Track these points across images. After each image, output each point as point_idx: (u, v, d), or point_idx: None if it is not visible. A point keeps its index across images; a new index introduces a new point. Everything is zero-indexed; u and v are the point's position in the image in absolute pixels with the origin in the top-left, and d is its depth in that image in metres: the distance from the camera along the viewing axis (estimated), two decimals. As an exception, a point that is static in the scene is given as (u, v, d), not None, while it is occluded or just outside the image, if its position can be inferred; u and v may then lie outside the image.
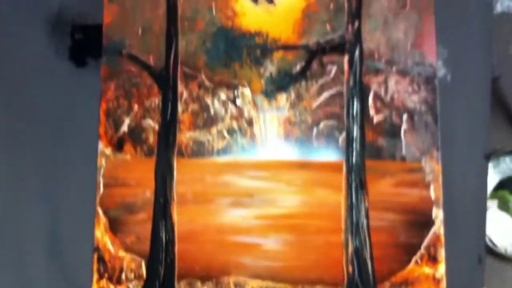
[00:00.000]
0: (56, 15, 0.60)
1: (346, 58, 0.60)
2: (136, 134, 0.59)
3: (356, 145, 0.59)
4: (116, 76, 0.60)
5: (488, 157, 0.59)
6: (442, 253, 0.57)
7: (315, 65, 0.60)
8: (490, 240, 0.71)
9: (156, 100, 0.60)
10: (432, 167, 0.59)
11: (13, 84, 0.59)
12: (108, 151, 0.59)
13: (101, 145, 0.59)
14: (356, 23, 0.60)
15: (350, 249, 0.57)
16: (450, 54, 0.60)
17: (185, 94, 0.60)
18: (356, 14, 0.60)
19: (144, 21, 0.60)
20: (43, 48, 0.60)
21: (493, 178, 0.73)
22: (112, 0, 0.61)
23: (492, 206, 0.74)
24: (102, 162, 0.59)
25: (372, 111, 0.60)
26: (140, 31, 0.60)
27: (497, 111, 0.73)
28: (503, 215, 0.74)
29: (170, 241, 0.57)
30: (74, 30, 0.60)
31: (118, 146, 0.59)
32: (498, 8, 0.62)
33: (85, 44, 0.60)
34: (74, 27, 0.60)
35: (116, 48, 0.60)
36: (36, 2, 0.60)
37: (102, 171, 0.58)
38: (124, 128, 0.59)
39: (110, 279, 0.57)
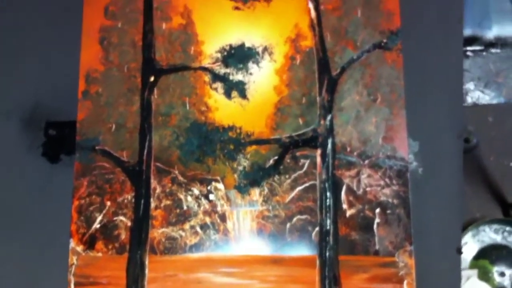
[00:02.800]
0: (30, 112, 0.62)
1: (318, 152, 0.62)
2: (108, 231, 0.61)
3: (329, 240, 0.61)
4: (89, 173, 0.61)
5: (460, 251, 0.60)
6: None
7: (288, 159, 0.62)
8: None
9: (129, 196, 0.61)
10: (405, 261, 0.60)
11: None
12: (79, 248, 0.60)
13: (72, 243, 0.60)
14: (328, 117, 0.63)
15: None
16: (421, 147, 0.62)
17: (158, 190, 0.61)
18: (328, 108, 0.63)
19: (118, 117, 0.62)
20: (16, 143, 0.62)
21: (472, 247, 0.75)
22: (86, 96, 0.63)
23: (472, 275, 0.75)
24: (73, 260, 0.60)
25: (345, 205, 0.61)
26: (114, 126, 0.62)
27: (476, 179, 0.75)
28: (484, 285, 0.75)
29: None
30: (48, 127, 0.62)
31: (89, 243, 0.60)
32: (469, 99, 0.64)
33: (59, 140, 0.62)
34: (47, 123, 0.62)
35: (89, 144, 0.62)
36: (10, 98, 0.62)
37: (73, 269, 0.59)
38: (96, 225, 0.60)
39: None
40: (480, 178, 0.72)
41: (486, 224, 0.73)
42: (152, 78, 0.63)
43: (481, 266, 0.73)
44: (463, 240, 0.69)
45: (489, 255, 0.73)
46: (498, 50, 0.64)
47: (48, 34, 0.63)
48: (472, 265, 0.72)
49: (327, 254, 0.60)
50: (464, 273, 0.70)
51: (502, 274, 0.73)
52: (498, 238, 0.72)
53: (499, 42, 0.64)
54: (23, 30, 0.64)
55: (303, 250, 0.60)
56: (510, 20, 0.64)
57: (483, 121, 0.71)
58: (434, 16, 0.64)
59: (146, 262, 0.59)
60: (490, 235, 0.73)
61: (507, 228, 0.72)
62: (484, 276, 0.73)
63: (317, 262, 0.60)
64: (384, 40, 0.63)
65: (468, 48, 0.64)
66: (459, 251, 0.60)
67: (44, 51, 0.63)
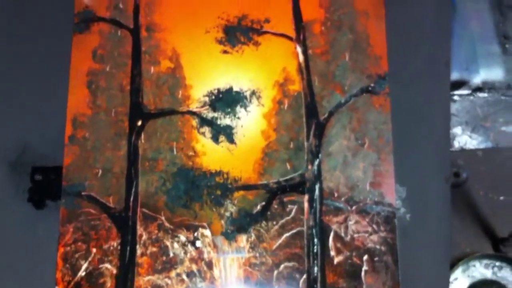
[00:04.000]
0: (16, 156, 0.62)
1: (306, 198, 0.63)
2: (93, 279, 0.61)
3: (317, 287, 0.61)
4: (74, 219, 0.62)
5: None
6: None
7: (275, 204, 0.63)
8: None
9: (114, 243, 0.61)
10: None
11: None
12: None
13: None
14: (316, 162, 0.63)
15: None
16: (409, 192, 0.62)
17: (144, 236, 0.62)
18: (315, 153, 0.63)
19: (104, 162, 0.63)
20: (2, 188, 0.62)
21: (463, 282, 0.75)
22: (72, 141, 0.63)
23: None
24: None
25: (332, 252, 0.62)
26: (100, 172, 0.63)
27: (466, 213, 0.75)
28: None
29: None
30: (34, 172, 0.62)
31: None
32: (456, 144, 0.65)
33: (45, 185, 0.62)
34: (34, 168, 0.62)
35: (75, 189, 0.62)
36: None
37: None
38: (82, 273, 0.61)
39: None
40: (470, 212, 0.72)
41: (476, 259, 0.73)
42: (139, 123, 0.63)
43: None
44: (454, 276, 0.69)
45: None
46: (486, 94, 0.65)
47: (35, 77, 0.64)
48: None
49: None
50: (455, 309, 0.71)
51: (492, 310, 0.74)
52: (488, 274, 0.72)
53: (487, 86, 0.65)
54: (10, 73, 0.64)
55: None
56: (497, 64, 0.65)
57: (473, 155, 0.72)
58: (422, 60, 0.65)
59: None
60: (480, 270, 0.74)
61: (497, 263, 0.72)
62: (475, 311, 0.74)
63: None
64: (372, 84, 0.64)
65: (456, 92, 0.65)
66: None
67: (32, 95, 0.64)
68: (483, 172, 0.70)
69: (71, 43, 0.65)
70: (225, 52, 0.65)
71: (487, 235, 0.72)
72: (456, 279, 0.73)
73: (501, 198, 0.70)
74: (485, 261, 0.73)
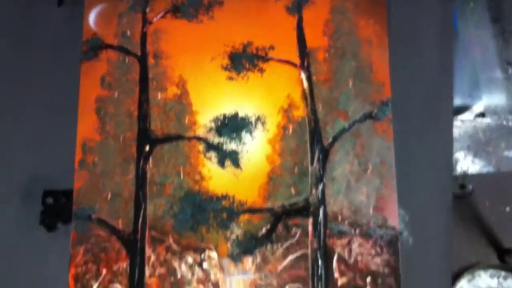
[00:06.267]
0: (28, 181, 0.85)
1: (310, 221, 0.85)
2: None
3: None
4: (85, 241, 0.84)
5: None
6: None
7: (280, 228, 0.85)
8: None
9: (124, 265, 0.83)
10: None
11: None
12: None
13: None
14: (320, 187, 0.85)
15: None
16: (412, 216, 0.84)
17: (152, 258, 0.84)
18: (319, 177, 0.86)
19: (113, 186, 0.85)
20: (14, 211, 0.84)
21: None
22: (82, 166, 0.86)
23: None
24: None
25: (336, 274, 0.84)
26: (109, 196, 0.85)
27: (472, 224, 0.96)
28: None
29: None
30: (45, 196, 0.85)
31: None
32: (459, 169, 0.87)
33: (56, 209, 0.84)
34: (45, 192, 0.85)
35: (85, 212, 0.85)
36: (8, 168, 0.85)
37: None
38: None
39: None
40: (476, 223, 0.94)
41: (481, 269, 0.94)
42: (147, 148, 0.86)
43: None
44: (459, 285, 0.91)
45: None
46: (488, 120, 0.87)
47: (45, 105, 0.87)
48: None
49: None
50: (460, 318, 0.92)
51: (497, 319, 0.95)
52: (493, 284, 0.93)
53: (489, 112, 0.88)
54: (21, 100, 0.87)
55: None
56: (500, 90, 0.88)
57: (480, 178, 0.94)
58: (424, 87, 0.88)
59: None
60: (486, 280, 0.95)
61: (503, 273, 0.93)
62: (480, 321, 0.95)
63: None
64: (375, 111, 0.87)
65: (458, 117, 0.88)
66: None
67: (42, 121, 0.86)
68: (488, 183, 0.92)
69: (80, 71, 0.87)
70: (230, 78, 0.88)
71: (493, 246, 0.94)
72: None
73: (507, 209, 0.92)
74: (491, 271, 0.94)
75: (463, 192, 0.91)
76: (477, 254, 0.92)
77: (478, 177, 0.88)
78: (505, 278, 0.91)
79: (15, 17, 0.90)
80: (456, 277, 0.89)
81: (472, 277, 0.91)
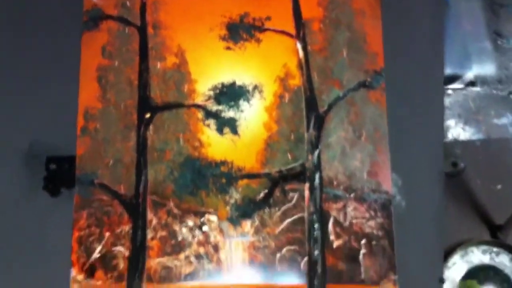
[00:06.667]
0: (31, 148, 0.87)
1: (306, 186, 0.88)
2: (107, 261, 0.85)
3: (317, 269, 0.86)
4: (88, 205, 0.86)
5: (442, 280, 0.85)
6: None
7: (277, 192, 0.88)
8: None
9: (126, 228, 0.86)
10: None
11: None
12: (80, 277, 0.85)
13: (73, 272, 0.84)
14: (316, 153, 0.88)
15: None
16: (404, 181, 0.88)
17: (154, 222, 0.86)
18: (315, 144, 0.89)
19: (115, 152, 0.88)
20: (18, 177, 0.87)
21: (461, 267, 1.00)
22: (84, 133, 0.88)
23: None
24: None
25: (332, 236, 0.87)
26: (111, 162, 0.88)
27: (465, 202, 1.00)
28: (472, 304, 1.00)
29: None
30: (48, 162, 0.87)
31: (89, 272, 0.85)
32: (450, 136, 0.91)
33: (59, 174, 0.87)
34: (48, 158, 0.87)
35: (88, 178, 0.87)
36: (12, 135, 0.87)
37: None
38: (96, 255, 0.85)
39: None
40: (468, 201, 0.97)
41: (474, 246, 0.98)
42: (147, 115, 0.88)
43: (469, 286, 0.98)
44: (452, 261, 0.94)
45: (477, 275, 0.98)
46: (478, 89, 0.91)
47: (47, 73, 0.89)
48: (461, 285, 0.97)
49: (316, 283, 0.85)
50: (453, 293, 0.95)
51: (489, 294, 0.98)
52: (486, 259, 0.97)
53: (479, 81, 0.91)
54: (23, 70, 0.89)
55: (293, 279, 0.85)
56: (489, 60, 0.91)
57: (470, 145, 0.97)
58: (416, 57, 0.90)
59: None
60: (478, 256, 0.98)
61: (495, 249, 0.97)
62: (472, 295, 0.99)
63: None
64: (369, 79, 0.90)
65: (449, 86, 0.91)
66: (441, 281, 0.85)
67: (44, 90, 0.88)
68: (480, 162, 0.95)
69: (81, 40, 0.90)
70: (228, 48, 0.91)
71: (485, 223, 0.97)
72: (454, 264, 0.97)
73: (498, 187, 0.95)
74: (483, 247, 0.97)
75: (455, 170, 0.94)
76: (470, 231, 0.95)
77: (468, 144, 0.91)
78: (497, 254, 0.94)
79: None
80: (449, 253, 0.92)
81: (465, 253, 0.94)
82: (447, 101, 0.92)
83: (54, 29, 0.91)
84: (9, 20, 0.92)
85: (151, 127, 0.89)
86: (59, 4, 0.91)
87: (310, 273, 0.85)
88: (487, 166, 0.95)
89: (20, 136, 0.88)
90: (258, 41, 0.91)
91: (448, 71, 0.91)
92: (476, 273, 0.95)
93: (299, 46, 0.91)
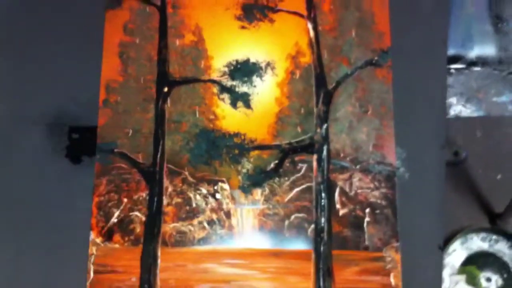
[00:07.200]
0: (55, 118, 0.93)
1: (315, 157, 0.92)
2: (124, 225, 0.90)
3: (323, 236, 0.90)
4: (108, 173, 0.91)
5: (442, 248, 0.90)
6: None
7: (287, 163, 0.92)
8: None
9: (143, 194, 0.91)
10: (392, 256, 0.90)
11: (15, 178, 0.91)
12: (98, 240, 0.90)
13: (92, 235, 0.90)
14: (324, 126, 0.93)
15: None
16: (408, 154, 0.92)
17: (170, 189, 0.91)
18: (324, 118, 0.93)
19: (134, 123, 0.93)
20: (42, 146, 0.92)
21: (461, 254, 1.04)
22: (106, 105, 0.93)
23: (460, 280, 1.04)
24: (93, 250, 0.89)
25: (338, 205, 0.91)
26: (130, 132, 0.93)
27: (466, 190, 1.04)
28: (471, 289, 1.04)
29: (155, 323, 0.87)
30: (71, 131, 0.92)
31: (108, 236, 0.90)
32: (452, 112, 0.95)
33: (81, 143, 0.92)
34: (71, 128, 0.92)
35: (108, 147, 0.92)
36: (37, 106, 0.93)
37: (92, 258, 0.89)
38: (114, 219, 0.90)
39: None
40: (469, 189, 1.01)
41: (474, 233, 1.01)
42: (165, 89, 0.93)
43: (469, 271, 1.02)
44: (452, 248, 0.98)
45: (477, 261, 1.02)
46: (479, 69, 0.95)
47: (72, 49, 0.94)
48: (461, 271, 1.01)
49: (322, 248, 0.89)
50: (453, 278, 0.99)
51: (488, 280, 1.02)
52: (485, 246, 1.01)
53: (480, 61, 0.95)
54: (50, 45, 0.95)
55: (300, 245, 0.89)
56: (490, 42, 0.96)
57: (472, 135, 1.01)
58: (421, 37, 0.95)
59: (158, 253, 0.89)
60: (478, 243, 1.02)
61: (494, 237, 1.01)
62: (472, 281, 1.02)
63: (313, 256, 0.89)
64: (376, 58, 0.94)
65: (452, 66, 0.95)
66: (440, 247, 0.90)
67: (69, 64, 0.94)
68: (481, 151, 0.99)
69: (104, 18, 0.95)
70: (243, 27, 0.95)
71: (485, 211, 1.01)
72: (454, 250, 1.01)
73: (498, 176, 1.00)
74: (482, 234, 1.01)
75: (457, 159, 0.97)
76: (470, 218, 0.99)
77: (470, 121, 0.95)
78: (496, 241, 0.98)
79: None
80: (449, 239, 0.96)
81: (465, 239, 0.97)
82: (450, 79, 0.96)
83: (80, 7, 0.96)
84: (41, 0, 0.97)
85: (168, 100, 0.94)
86: (84, -16, 0.97)
87: (317, 239, 0.90)
88: (488, 156, 0.99)
89: (45, 107, 0.93)
90: (271, 21, 0.96)
91: (451, 51, 0.95)
92: (475, 259, 0.99)
93: (310, 26, 0.96)
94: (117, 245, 0.89)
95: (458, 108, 0.93)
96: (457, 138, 0.97)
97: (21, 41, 0.95)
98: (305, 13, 0.96)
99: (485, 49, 0.94)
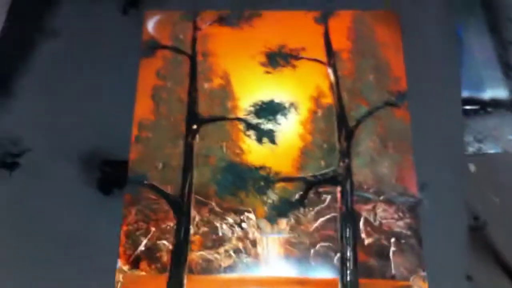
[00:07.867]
0: (90, 153, 0.97)
1: (338, 189, 0.95)
2: (151, 253, 0.91)
3: (349, 265, 0.90)
4: (137, 203, 0.94)
5: (469, 278, 0.89)
6: None
7: (311, 194, 0.94)
8: None
9: (171, 224, 0.93)
10: (419, 285, 0.89)
11: (48, 208, 0.94)
12: (125, 268, 0.90)
13: (119, 263, 0.90)
14: (346, 160, 0.96)
15: None
16: (430, 187, 0.94)
17: (197, 218, 0.93)
18: (346, 153, 0.97)
19: (164, 158, 0.97)
20: (77, 178, 0.95)
21: None
22: (138, 140, 0.98)
23: None
24: (119, 277, 0.90)
25: (363, 235, 0.92)
26: (160, 165, 0.96)
27: (486, 255, 1.03)
28: None
29: None
30: (103, 165, 0.96)
31: (134, 263, 0.91)
32: (470, 149, 0.98)
33: (112, 176, 0.95)
34: (103, 162, 0.96)
35: (139, 179, 0.95)
36: (74, 141, 0.98)
37: (119, 286, 0.89)
38: (141, 247, 0.91)
39: None
40: (490, 257, 1.01)
41: None
42: (194, 126, 0.98)
43: None
44: None
45: None
46: (493, 109, 1.00)
47: (110, 91, 1.01)
48: None
49: (348, 277, 0.89)
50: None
51: None
52: None
53: (493, 103, 1.00)
54: (89, 87, 1.01)
55: (326, 273, 0.90)
56: (500, 86, 1.02)
57: (490, 202, 1.02)
58: (436, 80, 1.01)
59: (184, 281, 0.89)
60: None
61: None
62: None
63: (339, 284, 0.89)
64: (393, 99, 0.99)
65: (467, 106, 1.00)
66: (469, 278, 0.89)
67: (105, 104, 1.00)
68: (500, 217, 1.01)
69: (139, 65, 1.03)
70: (267, 72, 1.03)
71: (507, 274, 1.01)
72: None
73: None
74: None
75: (477, 224, 1.00)
76: (492, 281, 0.99)
77: (488, 157, 0.99)
78: None
79: (90, 22, 1.08)
80: None
81: None
82: (466, 119, 1.01)
83: (117, 55, 1.04)
84: (85, 45, 1.06)
85: (197, 136, 0.98)
86: (123, 35, 1.06)
87: (343, 268, 0.90)
88: (509, 221, 0.99)
89: (80, 141, 0.98)
90: (294, 67, 1.03)
91: (465, 93, 1.01)
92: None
93: (330, 71, 1.03)
94: (143, 273, 0.90)
95: (475, 145, 0.96)
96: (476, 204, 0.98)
97: (63, 82, 1.01)
98: (325, 60, 1.03)
99: (497, 92, 1.00)
